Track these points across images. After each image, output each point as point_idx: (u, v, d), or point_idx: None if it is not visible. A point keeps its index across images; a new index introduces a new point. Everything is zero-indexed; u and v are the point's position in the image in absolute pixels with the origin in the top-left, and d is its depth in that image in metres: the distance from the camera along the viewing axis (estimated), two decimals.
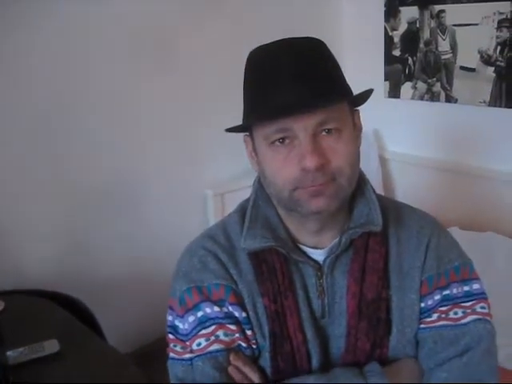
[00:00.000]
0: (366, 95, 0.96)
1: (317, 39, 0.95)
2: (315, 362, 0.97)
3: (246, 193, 2.68)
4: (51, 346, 1.39)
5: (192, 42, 2.33)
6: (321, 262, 1.00)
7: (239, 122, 0.96)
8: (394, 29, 2.71)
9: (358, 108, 0.99)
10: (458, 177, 2.56)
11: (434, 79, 2.59)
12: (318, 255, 1.00)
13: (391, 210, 1.04)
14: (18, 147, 1.92)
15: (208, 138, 2.40)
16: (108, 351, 1.47)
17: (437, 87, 2.59)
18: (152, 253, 2.27)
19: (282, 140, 0.90)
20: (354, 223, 0.99)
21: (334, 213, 0.95)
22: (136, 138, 2.22)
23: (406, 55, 2.69)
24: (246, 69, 0.96)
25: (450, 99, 2.55)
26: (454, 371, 0.93)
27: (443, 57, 2.54)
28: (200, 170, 2.45)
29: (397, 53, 2.72)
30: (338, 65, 0.95)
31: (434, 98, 2.62)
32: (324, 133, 0.89)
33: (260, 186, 1.04)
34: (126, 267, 2.18)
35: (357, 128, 0.97)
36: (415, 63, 2.66)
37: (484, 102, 2.42)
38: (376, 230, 0.97)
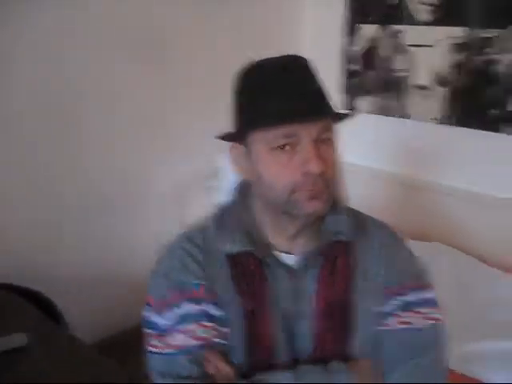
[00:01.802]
0: (351, 115, 1.05)
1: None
2: (284, 359, 1.04)
3: (207, 193, 2.71)
4: (20, 339, 1.41)
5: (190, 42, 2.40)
6: (293, 267, 1.08)
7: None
8: (353, 44, 2.83)
9: None
10: (407, 189, 2.70)
11: (389, 95, 2.73)
12: (290, 260, 1.08)
13: (358, 220, 1.13)
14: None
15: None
16: (76, 344, 1.50)
17: (391, 103, 2.73)
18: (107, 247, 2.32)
19: (284, 146, 0.97)
20: (325, 232, 1.07)
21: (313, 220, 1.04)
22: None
23: (364, 71, 2.82)
24: (243, 79, 1.03)
25: (403, 115, 2.69)
26: (407, 373, 1.03)
27: (398, 74, 2.68)
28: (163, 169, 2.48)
29: (355, 68, 2.85)
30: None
31: (388, 112, 2.75)
32: (322, 142, 0.98)
33: (239, 192, 1.12)
34: (89, 260, 2.22)
35: None
36: (372, 79, 2.79)
37: (435, 119, 2.57)
38: (344, 239, 1.07)
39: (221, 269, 1.07)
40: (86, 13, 2.07)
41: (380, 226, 1.17)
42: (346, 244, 1.08)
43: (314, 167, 0.95)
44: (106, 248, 2.31)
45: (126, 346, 2.20)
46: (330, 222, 1.08)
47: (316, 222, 1.07)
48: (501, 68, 2.31)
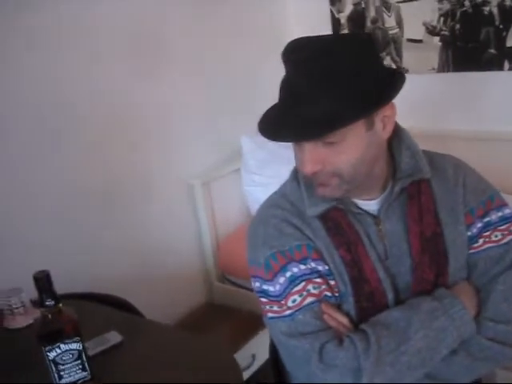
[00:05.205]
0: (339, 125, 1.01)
1: (346, 39, 1.09)
2: (390, 298, 1.12)
3: (229, 179, 2.83)
4: (114, 337, 1.46)
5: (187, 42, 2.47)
6: (374, 212, 1.16)
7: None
8: (340, 11, 2.89)
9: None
10: (423, 141, 2.77)
11: (384, 53, 2.80)
12: (371, 206, 1.16)
13: (426, 157, 1.20)
14: (17, 147, 1.93)
15: (188, 131, 2.50)
16: (164, 331, 1.56)
17: (387, 61, 2.80)
18: (145, 243, 2.36)
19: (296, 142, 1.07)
20: (403, 174, 1.14)
21: (359, 184, 1.10)
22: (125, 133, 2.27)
23: None
24: None
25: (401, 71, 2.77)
26: (508, 282, 1.12)
27: (390, 32, 2.76)
28: (184, 161, 2.53)
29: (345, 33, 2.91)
30: (353, 75, 1.00)
31: None
32: (325, 144, 1.03)
33: None
34: (122, 260, 2.25)
35: (377, 125, 1.06)
36: None
37: (433, 69, 2.66)
38: (426, 177, 1.14)
39: (315, 227, 1.14)
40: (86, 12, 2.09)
41: (446, 157, 1.25)
42: (425, 181, 1.16)
43: (304, 169, 1.05)
44: (137, 241, 2.36)
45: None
46: (405, 163, 1.15)
47: (376, 174, 1.13)
48: (492, 8, 2.40)
